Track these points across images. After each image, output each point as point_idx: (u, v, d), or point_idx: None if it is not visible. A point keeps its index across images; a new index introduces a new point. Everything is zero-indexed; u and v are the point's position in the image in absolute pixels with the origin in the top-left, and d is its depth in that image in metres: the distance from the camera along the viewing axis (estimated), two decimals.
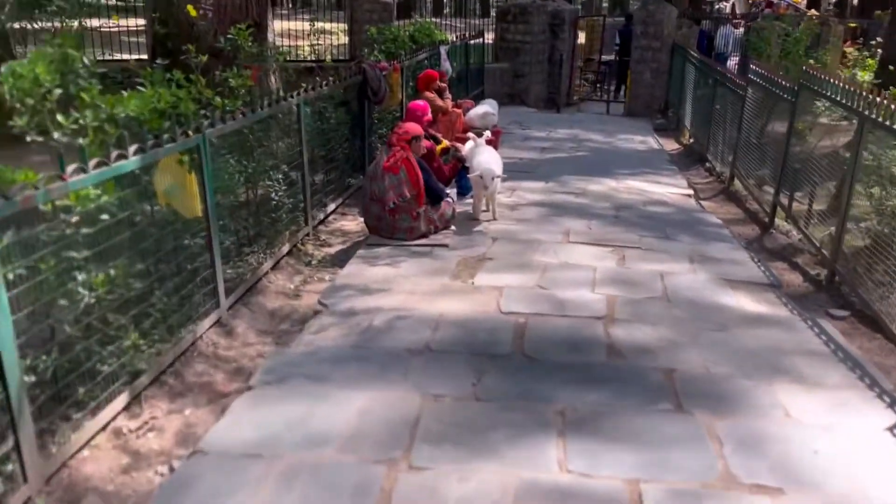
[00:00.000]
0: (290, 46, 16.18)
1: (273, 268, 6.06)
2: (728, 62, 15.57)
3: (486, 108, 10.83)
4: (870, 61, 12.20)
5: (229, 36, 6.66)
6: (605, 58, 17.96)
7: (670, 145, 12.52)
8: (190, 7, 6.29)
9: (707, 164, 10.65)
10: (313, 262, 6.46)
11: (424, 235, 6.66)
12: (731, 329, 4.94)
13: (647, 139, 12.74)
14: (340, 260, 6.48)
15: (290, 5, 34.77)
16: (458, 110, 10.71)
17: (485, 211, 7.38)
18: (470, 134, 8.01)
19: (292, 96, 6.42)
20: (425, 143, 7.52)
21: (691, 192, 9.09)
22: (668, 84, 15.11)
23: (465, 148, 8.09)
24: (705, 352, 4.58)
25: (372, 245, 6.53)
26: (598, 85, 17.82)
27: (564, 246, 6.56)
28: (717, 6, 33.01)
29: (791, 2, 28.72)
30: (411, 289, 5.52)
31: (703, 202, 8.80)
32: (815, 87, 6.93)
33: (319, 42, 15.13)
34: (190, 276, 4.86)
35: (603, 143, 12.04)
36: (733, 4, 36.34)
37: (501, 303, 5.23)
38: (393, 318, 4.97)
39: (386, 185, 6.52)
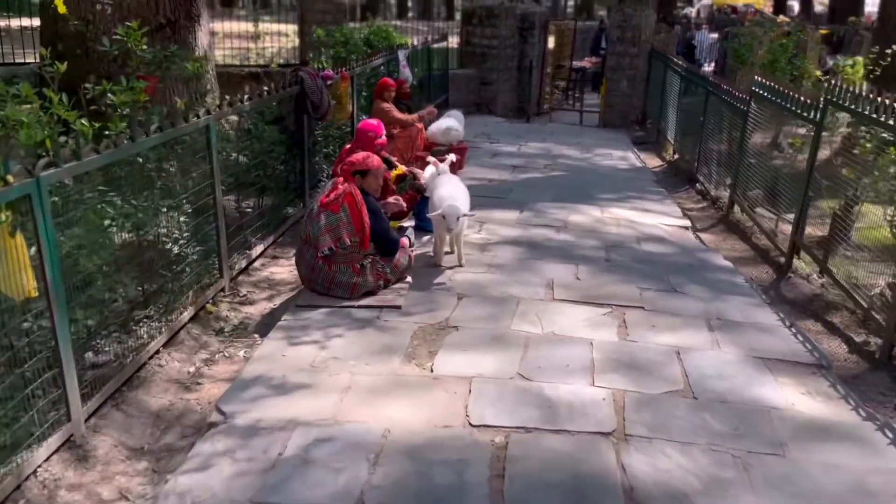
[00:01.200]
0: (241, 49, 14.57)
1: (168, 342, 4.47)
2: (703, 68, 14.26)
3: (449, 122, 9.30)
4: (851, 69, 10.90)
5: (116, 37, 5.04)
6: (576, 64, 16.55)
7: (652, 161, 11.10)
8: (59, 2, 4.66)
9: (698, 186, 9.24)
10: (226, 331, 4.88)
11: (372, 293, 5.12)
12: (789, 450, 3.46)
13: (627, 154, 11.32)
14: (264, 325, 4.91)
15: (252, 5, 32.93)
16: (420, 124, 9.18)
17: (448, 253, 5.87)
18: (430, 158, 6.51)
19: (198, 115, 4.83)
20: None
21: (688, 222, 7.66)
22: (645, 93, 13.73)
23: (425, 175, 6.56)
24: (764, 499, 3.11)
25: (303, 307, 4.97)
26: (570, 92, 16.40)
27: (549, 306, 5.06)
28: (682, 11, 31.98)
29: (756, 8, 27.74)
30: (347, 383, 3.96)
31: (701, 234, 7.38)
32: (851, 105, 5.51)
33: (266, 45, 13.47)
34: (22, 379, 3.28)
35: (580, 160, 10.59)
36: (698, 10, 35.42)
37: (471, 408, 3.71)
38: (314, 441, 3.40)
39: (322, 226, 4.97)
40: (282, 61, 12.87)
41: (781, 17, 19.88)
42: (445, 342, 4.48)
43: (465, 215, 5.44)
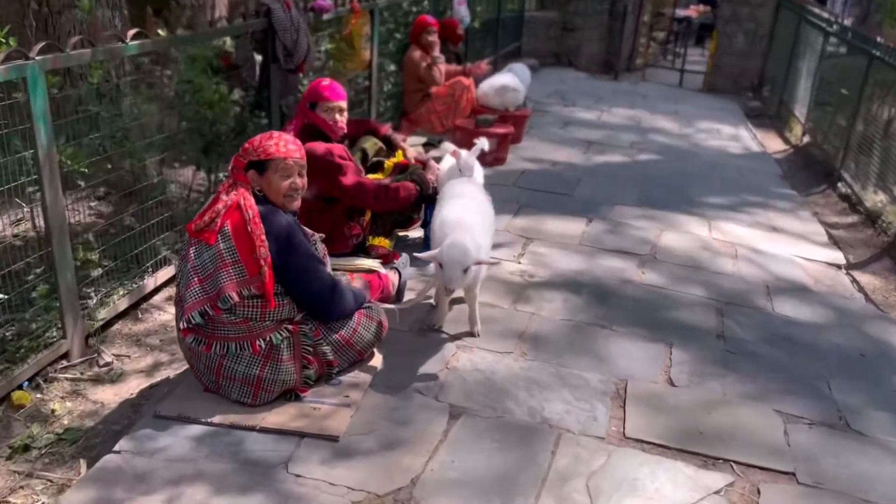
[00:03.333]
0: None
1: None
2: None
3: (506, 79, 6.76)
4: None
5: None
6: (680, 13, 13.47)
7: (773, 143, 8.25)
8: None
9: (842, 187, 6.45)
10: (39, 443, 2.66)
11: (296, 394, 2.80)
12: None
13: (739, 131, 8.49)
14: (111, 434, 2.69)
15: None
16: (467, 80, 6.68)
17: (460, 302, 3.47)
18: (447, 145, 4.05)
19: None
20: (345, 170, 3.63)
21: (840, 256, 4.97)
22: (767, 52, 10.69)
23: (440, 168, 4.13)
24: None
25: (164, 418, 2.69)
26: (669, 46, 13.39)
27: (613, 458, 2.60)
28: None
29: None
30: None
31: (861, 276, 4.69)
32: None
33: None
34: None
35: (678, 138, 7.85)
36: None
37: None
38: None
39: (189, 271, 2.68)
40: None
41: None
42: None
43: (478, 264, 3.00)
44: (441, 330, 3.36)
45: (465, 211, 3.19)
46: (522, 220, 4.91)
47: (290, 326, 2.73)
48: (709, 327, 3.65)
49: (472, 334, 3.32)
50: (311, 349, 2.78)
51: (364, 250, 3.94)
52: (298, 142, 2.83)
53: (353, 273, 3.34)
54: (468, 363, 3.13)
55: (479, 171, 4.14)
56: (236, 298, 2.57)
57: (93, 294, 3.21)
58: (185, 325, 2.59)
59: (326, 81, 3.78)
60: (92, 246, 3.29)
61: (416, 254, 3.00)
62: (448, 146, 3.93)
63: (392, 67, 6.49)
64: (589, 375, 3.11)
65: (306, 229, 2.92)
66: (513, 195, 5.39)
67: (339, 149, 3.75)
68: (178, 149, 3.89)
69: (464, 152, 4.01)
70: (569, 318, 3.59)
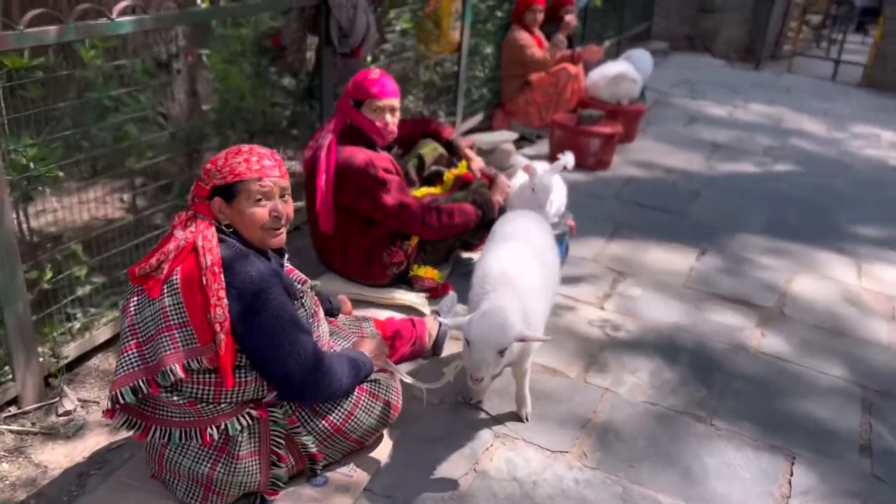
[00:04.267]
0: None
1: None
2: None
3: (622, 67, 5.76)
4: None
5: None
6: None
7: None
8: None
9: None
10: None
11: (264, 498, 2.09)
12: None
13: None
14: None
15: None
16: (575, 68, 5.75)
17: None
18: (520, 158, 3.17)
19: None
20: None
21: None
22: None
23: (510, 185, 3.30)
24: None
25: None
26: (824, 32, 11.68)
27: None
28: None
29: None
30: None
31: None
32: None
33: None
34: None
35: (825, 145, 6.54)
36: None
37: None
38: None
39: (125, 329, 1.96)
40: None
41: None
42: None
43: (522, 341, 2.15)
44: (480, 406, 2.56)
45: (517, 261, 2.34)
46: (617, 246, 3.99)
47: (254, 412, 2.02)
48: (849, 432, 2.64)
49: (521, 418, 2.50)
50: (282, 441, 2.06)
51: (407, 281, 3.18)
52: (278, 155, 2.08)
53: (378, 314, 2.59)
54: (504, 466, 2.31)
55: (559, 193, 3.26)
56: (180, 374, 1.88)
57: (63, 321, 2.63)
58: (111, 403, 1.92)
59: (375, 73, 3.02)
60: (80, 258, 2.71)
61: (439, 317, 2.19)
62: (520, 160, 3.08)
63: (488, 50, 5.64)
64: (668, 503, 2.22)
65: (296, 276, 2.19)
66: (610, 211, 4.46)
67: (383, 160, 3.00)
68: (200, 144, 3.25)
69: (540, 168, 3.14)
70: (655, 402, 2.69)
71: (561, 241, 3.28)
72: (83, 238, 2.75)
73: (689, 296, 3.52)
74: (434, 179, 3.44)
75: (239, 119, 3.36)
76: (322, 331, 2.20)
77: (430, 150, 3.42)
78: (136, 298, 1.98)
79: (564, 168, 3.12)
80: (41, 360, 2.52)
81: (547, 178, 3.07)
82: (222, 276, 1.90)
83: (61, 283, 2.62)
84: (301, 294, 2.12)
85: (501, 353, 2.06)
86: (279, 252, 2.18)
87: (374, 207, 2.97)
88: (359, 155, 2.95)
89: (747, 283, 3.70)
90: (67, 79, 2.85)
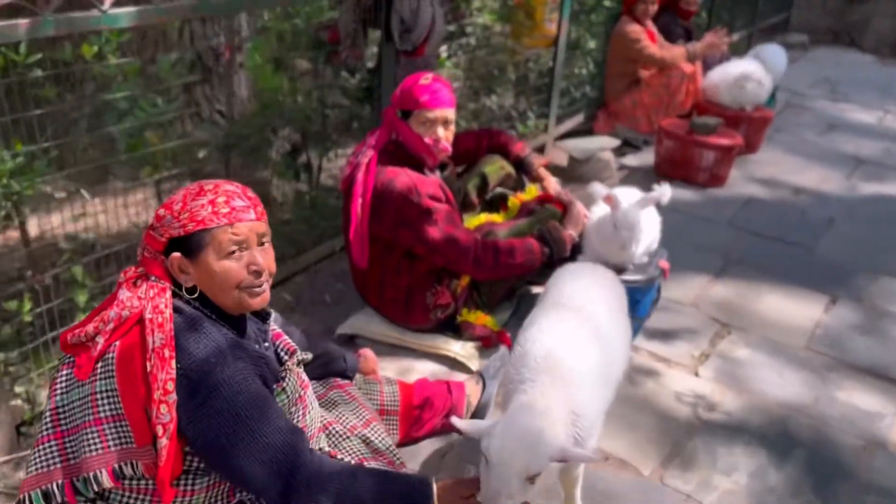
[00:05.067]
0: None
1: None
2: None
3: (747, 67, 4.95)
4: None
5: None
6: None
7: None
8: None
9: None
10: None
11: None
12: None
13: None
14: None
15: None
16: (691, 67, 5.00)
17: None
18: (598, 188, 2.55)
19: None
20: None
21: None
22: None
23: (588, 218, 2.69)
24: None
25: None
26: None
27: None
28: None
29: None
30: None
31: None
32: None
33: None
34: None
35: None
36: None
37: None
38: None
39: (47, 412, 1.50)
40: None
41: None
42: None
43: (562, 462, 1.56)
44: None
45: (570, 340, 1.75)
46: (725, 287, 3.28)
47: None
48: None
49: None
50: None
51: (454, 328, 2.64)
52: (251, 193, 1.59)
53: (416, 366, 2.07)
54: None
55: (649, 228, 2.61)
56: (108, 482, 1.43)
57: (43, 361, 2.28)
58: None
59: (427, 78, 2.48)
60: (80, 282, 2.36)
61: (454, 419, 1.64)
62: (600, 190, 2.46)
63: (592, 44, 4.96)
64: None
65: (283, 343, 1.70)
66: (721, 241, 3.73)
67: (430, 184, 2.46)
68: (230, 150, 2.84)
69: (627, 197, 2.51)
70: None
71: (649, 288, 2.64)
72: (82, 258, 2.39)
73: (812, 363, 2.78)
74: (497, 205, 2.87)
75: (280, 120, 2.92)
76: (309, 420, 1.69)
77: (496, 168, 2.85)
78: (65, 371, 1.54)
79: (657, 203, 2.48)
80: (13, 403, 2.18)
81: (633, 212, 2.44)
82: (174, 361, 1.44)
83: (45, 313, 2.27)
84: (284, 373, 1.63)
85: (532, 479, 1.49)
86: (260, 315, 1.70)
87: (416, 241, 2.45)
88: (401, 177, 2.43)
89: (890, 348, 2.92)
90: (80, 77, 2.50)
